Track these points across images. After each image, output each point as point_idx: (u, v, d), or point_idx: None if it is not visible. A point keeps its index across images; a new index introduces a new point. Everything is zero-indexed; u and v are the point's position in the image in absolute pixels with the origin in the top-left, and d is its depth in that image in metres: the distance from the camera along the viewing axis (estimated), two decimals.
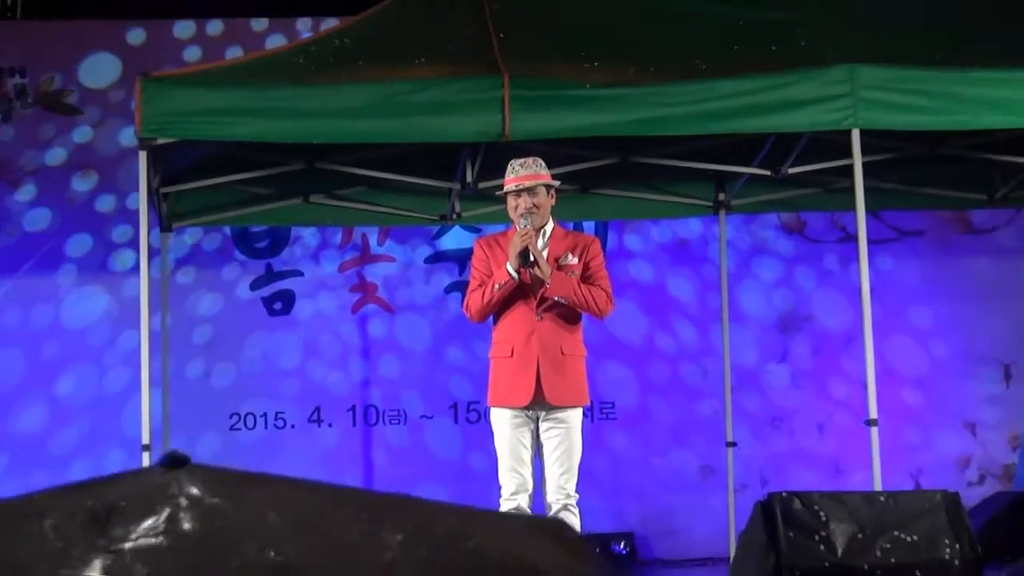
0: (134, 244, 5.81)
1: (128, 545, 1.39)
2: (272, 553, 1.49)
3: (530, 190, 4.25)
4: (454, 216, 6.17)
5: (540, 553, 1.65)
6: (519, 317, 4.23)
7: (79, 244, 6.73)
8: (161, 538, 1.42)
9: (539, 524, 2.10)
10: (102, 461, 6.25)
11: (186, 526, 1.45)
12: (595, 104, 4.79)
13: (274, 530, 1.54)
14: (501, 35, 5.00)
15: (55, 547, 1.38)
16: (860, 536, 3.79)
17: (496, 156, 4.85)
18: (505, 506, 4.27)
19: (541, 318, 4.18)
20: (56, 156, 6.83)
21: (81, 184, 6.80)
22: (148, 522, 1.41)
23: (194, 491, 1.49)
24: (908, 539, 3.80)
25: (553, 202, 4.37)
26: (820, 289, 7.12)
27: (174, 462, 1.48)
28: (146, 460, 4.63)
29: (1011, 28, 5.36)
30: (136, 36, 6.91)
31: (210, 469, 1.62)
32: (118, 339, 6.59)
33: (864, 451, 4.83)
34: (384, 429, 6.87)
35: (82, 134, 6.84)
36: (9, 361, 6.64)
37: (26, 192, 6.77)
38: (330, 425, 6.76)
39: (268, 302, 6.81)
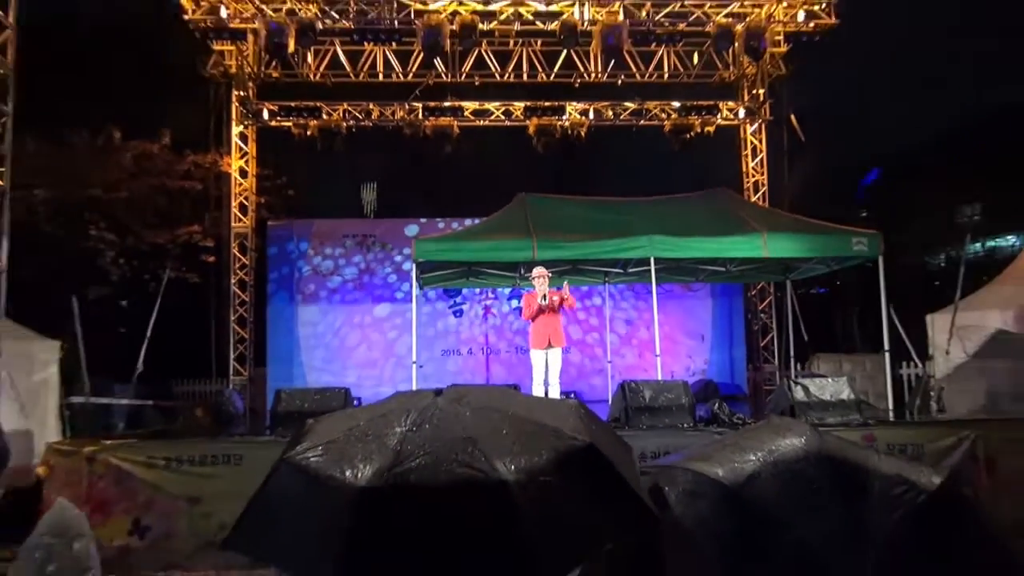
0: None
1: (407, 426, 3.05)
2: (463, 430, 3.02)
3: (539, 278, 10.23)
4: (518, 282, 12.78)
5: (571, 420, 3.17)
6: (544, 318, 10.54)
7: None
8: (427, 422, 3.10)
9: (568, 404, 3.36)
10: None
11: (437, 417, 3.12)
12: (565, 248, 10.94)
13: (467, 418, 3.09)
14: (532, 223, 11.34)
15: (396, 425, 3.04)
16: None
17: (531, 265, 10.35)
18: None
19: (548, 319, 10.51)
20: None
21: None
22: (416, 415, 3.05)
23: (441, 401, 3.20)
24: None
25: (548, 280, 10.75)
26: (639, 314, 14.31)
27: (439, 392, 3.25)
28: (415, 370, 10.94)
29: (718, 220, 11.91)
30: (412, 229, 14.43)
31: (460, 388, 3.35)
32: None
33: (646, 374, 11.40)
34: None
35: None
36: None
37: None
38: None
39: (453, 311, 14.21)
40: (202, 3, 13.43)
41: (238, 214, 15.27)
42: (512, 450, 3.02)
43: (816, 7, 14.21)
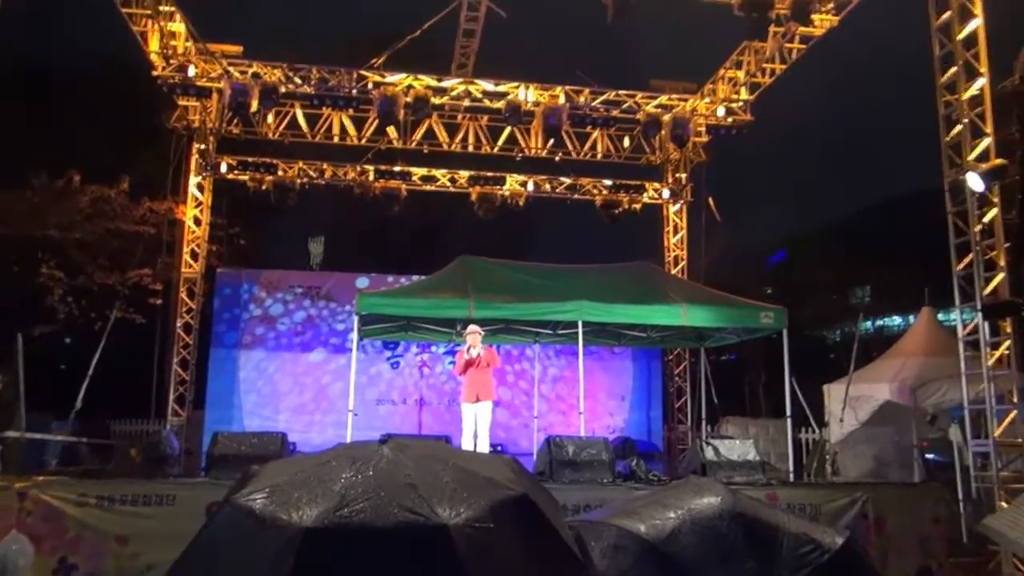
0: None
1: (352, 472, 3.04)
2: (406, 478, 3.04)
3: (471, 335, 10.47)
4: (454, 338, 12.63)
5: (506, 472, 3.28)
6: (473, 372, 10.45)
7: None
8: (371, 469, 3.09)
9: (502, 458, 3.46)
10: None
11: (382, 465, 3.12)
12: (500, 309, 11.06)
13: (409, 467, 3.11)
14: (470, 284, 11.38)
15: (341, 472, 3.00)
16: None
17: (467, 323, 10.63)
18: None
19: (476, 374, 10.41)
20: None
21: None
22: (361, 462, 3.09)
23: (386, 451, 3.20)
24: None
25: (479, 338, 10.66)
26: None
27: (383, 440, 3.27)
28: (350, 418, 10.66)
29: (642, 289, 12.11)
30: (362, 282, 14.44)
31: (402, 440, 3.42)
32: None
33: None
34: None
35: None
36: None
37: None
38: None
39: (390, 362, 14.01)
40: (172, 61, 13.24)
41: (189, 260, 14.88)
42: (452, 497, 3.01)
43: (734, 104, 14.79)
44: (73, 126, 17.26)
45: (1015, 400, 8.96)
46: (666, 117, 14.47)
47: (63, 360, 17.81)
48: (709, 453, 8.66)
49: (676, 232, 16.67)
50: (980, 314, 9.08)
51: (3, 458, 8.30)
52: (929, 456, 11.70)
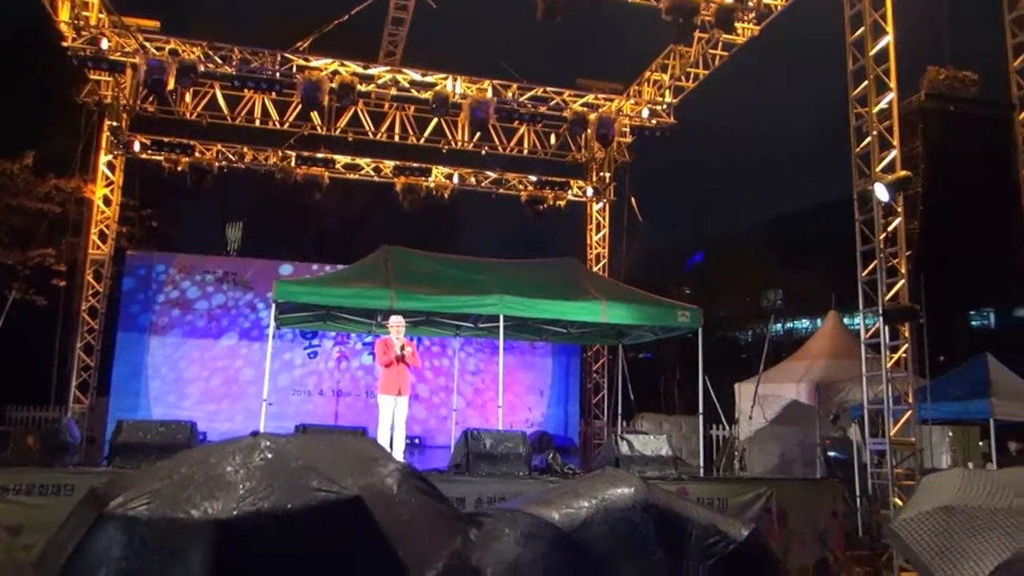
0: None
1: (239, 463, 3.10)
2: (297, 461, 3.24)
3: (396, 327, 10.55)
4: (374, 329, 12.29)
5: (375, 450, 3.90)
6: (396, 366, 10.38)
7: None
8: (257, 459, 3.17)
9: (365, 439, 5.54)
10: None
11: (266, 454, 3.22)
12: (422, 301, 11.04)
13: (293, 451, 3.33)
14: (392, 274, 11.29)
15: (226, 465, 3.04)
16: None
17: (388, 314, 10.87)
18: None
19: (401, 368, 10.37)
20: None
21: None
22: (242, 453, 3.16)
23: (262, 442, 3.36)
24: None
25: (403, 330, 10.67)
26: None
27: (255, 433, 3.52)
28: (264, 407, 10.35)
29: (564, 285, 12.32)
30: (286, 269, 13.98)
31: (268, 434, 3.52)
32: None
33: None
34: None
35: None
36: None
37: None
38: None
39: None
40: (84, 32, 12.62)
41: (97, 241, 14.23)
42: (351, 472, 3.07)
43: (658, 107, 15.08)
44: None
45: (911, 401, 9.43)
46: (592, 116, 14.61)
47: None
48: (624, 448, 8.80)
49: (599, 230, 16.89)
50: (881, 318, 9.52)
51: None
52: (831, 454, 12.20)
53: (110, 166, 14.50)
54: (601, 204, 16.88)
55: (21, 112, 16.32)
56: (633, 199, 16.24)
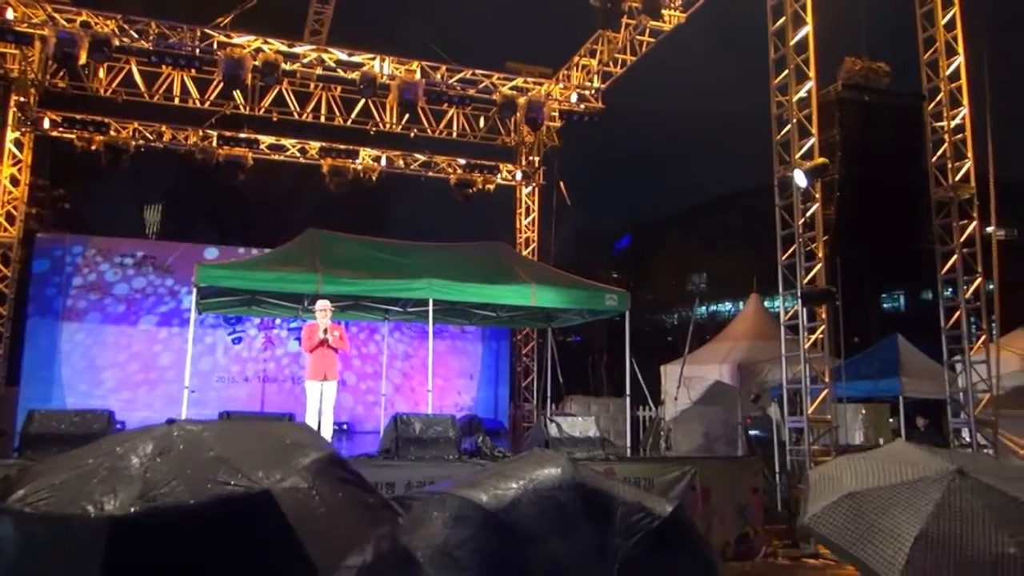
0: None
1: (149, 456, 2.79)
2: (210, 451, 2.87)
3: (323, 311, 10.39)
4: (302, 313, 12.05)
5: (304, 436, 3.39)
6: (322, 350, 10.22)
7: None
8: (168, 450, 2.87)
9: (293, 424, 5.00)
10: None
11: (179, 445, 2.90)
12: (349, 285, 10.86)
13: (209, 441, 2.96)
14: (319, 258, 11.11)
15: (133, 456, 2.74)
16: None
17: (315, 298, 10.81)
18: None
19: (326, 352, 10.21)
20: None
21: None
22: (154, 444, 2.84)
23: (177, 431, 3.00)
24: None
25: (329, 314, 10.51)
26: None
27: (170, 421, 3.06)
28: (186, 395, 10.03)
29: (493, 269, 12.31)
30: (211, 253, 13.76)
31: (188, 420, 3.27)
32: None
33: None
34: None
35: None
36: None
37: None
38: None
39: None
40: None
41: (4, 223, 13.55)
42: (264, 464, 2.90)
43: (587, 92, 15.20)
44: None
45: (827, 380, 9.84)
46: (521, 100, 14.66)
47: None
48: (553, 430, 8.92)
49: (528, 214, 16.96)
50: (800, 301, 9.87)
51: None
52: (753, 432, 12.63)
53: (17, 144, 13.80)
54: (530, 188, 16.95)
55: None
56: (562, 183, 16.37)
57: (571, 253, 18.44)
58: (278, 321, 14.79)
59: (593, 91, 15.22)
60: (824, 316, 10.05)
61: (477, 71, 14.74)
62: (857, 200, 12.39)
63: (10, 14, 12.03)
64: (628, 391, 11.36)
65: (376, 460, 7.92)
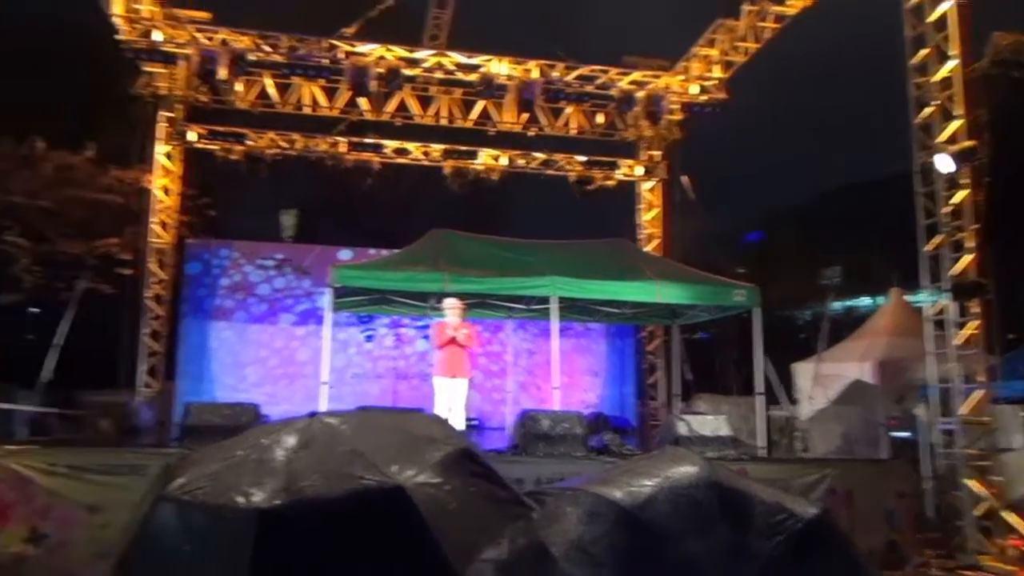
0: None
1: (291, 448, 3.08)
2: (347, 445, 3.14)
3: (452, 309, 10.58)
4: (429, 312, 12.35)
5: (437, 427, 3.74)
6: (452, 348, 10.37)
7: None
8: (308, 443, 3.14)
9: (426, 415, 4.41)
10: None
11: (318, 438, 3.18)
12: (474, 283, 10.63)
13: (346, 435, 3.24)
14: (444, 257, 11.21)
15: (277, 448, 3.02)
16: None
17: (441, 296, 10.53)
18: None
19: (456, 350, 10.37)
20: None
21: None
22: (296, 437, 3.14)
23: (317, 424, 3.31)
24: None
25: (460, 312, 10.67)
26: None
27: (313, 414, 3.45)
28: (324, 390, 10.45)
29: (616, 265, 11.88)
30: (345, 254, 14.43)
31: (329, 412, 3.63)
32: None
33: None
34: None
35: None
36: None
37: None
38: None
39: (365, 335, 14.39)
40: (136, 25, 12.93)
41: (158, 230, 14.63)
42: (398, 459, 2.99)
43: (708, 83, 14.82)
44: (37, 92, 16.82)
45: (983, 379, 9.16)
46: (640, 94, 14.46)
47: (31, 331, 17.49)
48: (682, 428, 8.76)
49: (650, 210, 16.71)
50: (949, 294, 9.25)
51: None
52: (897, 434, 11.94)
53: (168, 156, 14.87)
54: (652, 183, 16.68)
55: (80, 105, 16.81)
56: (685, 177, 16.01)
57: (696, 248, 17.99)
58: (406, 320, 15.24)
59: (714, 81, 14.81)
60: (977, 310, 9.35)
61: (594, 67, 14.65)
62: (1011, 184, 11.50)
63: (158, 36, 12.95)
64: (760, 389, 10.99)
65: (505, 456, 8.03)
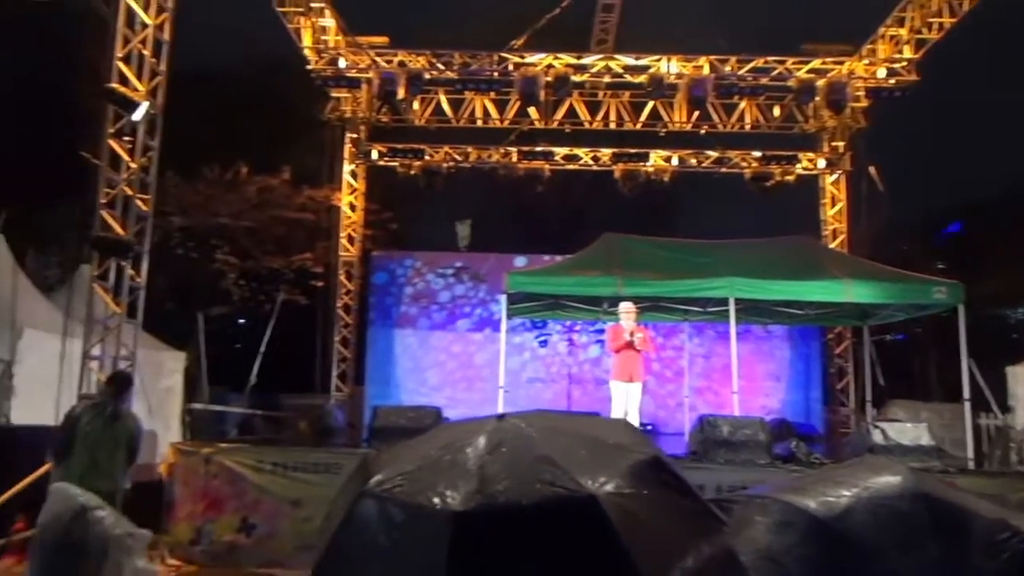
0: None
1: (483, 451, 3.04)
2: (537, 450, 3.00)
3: (627, 313, 10.53)
4: (602, 316, 12.41)
5: (628, 436, 3.58)
6: (627, 352, 10.25)
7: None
8: (501, 446, 3.07)
9: (618, 421, 4.52)
10: None
11: (510, 441, 3.08)
12: (649, 286, 10.49)
13: (535, 440, 3.10)
14: (617, 261, 11.16)
15: (468, 450, 2.98)
16: None
17: (615, 301, 10.86)
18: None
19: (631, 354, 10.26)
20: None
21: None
22: (486, 439, 3.07)
23: (508, 426, 3.24)
24: None
25: (634, 316, 10.59)
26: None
27: (500, 417, 3.31)
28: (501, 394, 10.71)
29: (798, 264, 10.90)
30: (520, 261, 14.91)
31: (516, 414, 3.39)
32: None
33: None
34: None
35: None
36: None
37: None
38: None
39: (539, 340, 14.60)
40: (323, 55, 13.91)
41: (346, 244, 15.64)
42: (590, 467, 2.94)
43: (897, 65, 13.78)
44: (238, 121, 18.51)
45: None
46: (821, 82, 13.69)
47: (238, 339, 19.25)
48: (877, 436, 8.18)
49: (834, 204, 15.77)
50: None
51: (190, 427, 9.07)
52: None
53: (353, 175, 15.86)
54: (836, 176, 15.73)
55: (275, 132, 18.34)
56: (873, 168, 14.96)
57: (887, 244, 16.77)
58: (579, 325, 15.31)
59: (904, 63, 13.74)
60: None
61: (769, 58, 14.07)
62: None
63: (342, 63, 13.87)
64: (967, 395, 10.02)
65: (684, 462, 7.82)
